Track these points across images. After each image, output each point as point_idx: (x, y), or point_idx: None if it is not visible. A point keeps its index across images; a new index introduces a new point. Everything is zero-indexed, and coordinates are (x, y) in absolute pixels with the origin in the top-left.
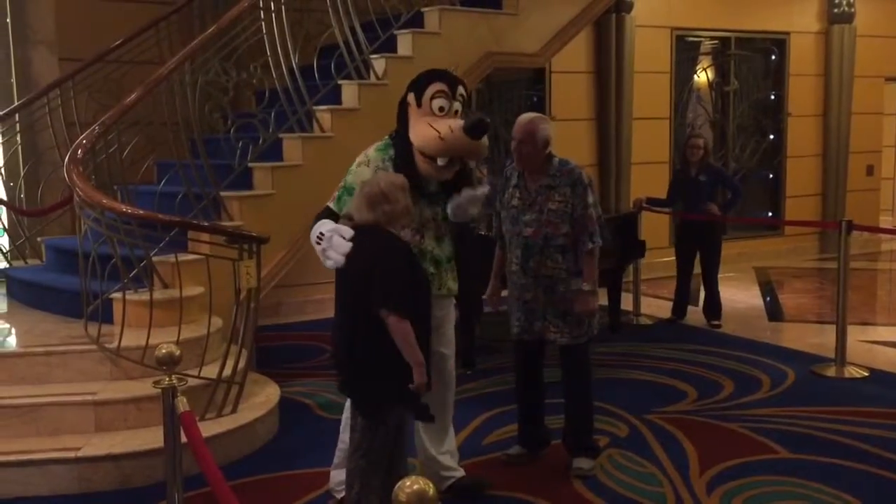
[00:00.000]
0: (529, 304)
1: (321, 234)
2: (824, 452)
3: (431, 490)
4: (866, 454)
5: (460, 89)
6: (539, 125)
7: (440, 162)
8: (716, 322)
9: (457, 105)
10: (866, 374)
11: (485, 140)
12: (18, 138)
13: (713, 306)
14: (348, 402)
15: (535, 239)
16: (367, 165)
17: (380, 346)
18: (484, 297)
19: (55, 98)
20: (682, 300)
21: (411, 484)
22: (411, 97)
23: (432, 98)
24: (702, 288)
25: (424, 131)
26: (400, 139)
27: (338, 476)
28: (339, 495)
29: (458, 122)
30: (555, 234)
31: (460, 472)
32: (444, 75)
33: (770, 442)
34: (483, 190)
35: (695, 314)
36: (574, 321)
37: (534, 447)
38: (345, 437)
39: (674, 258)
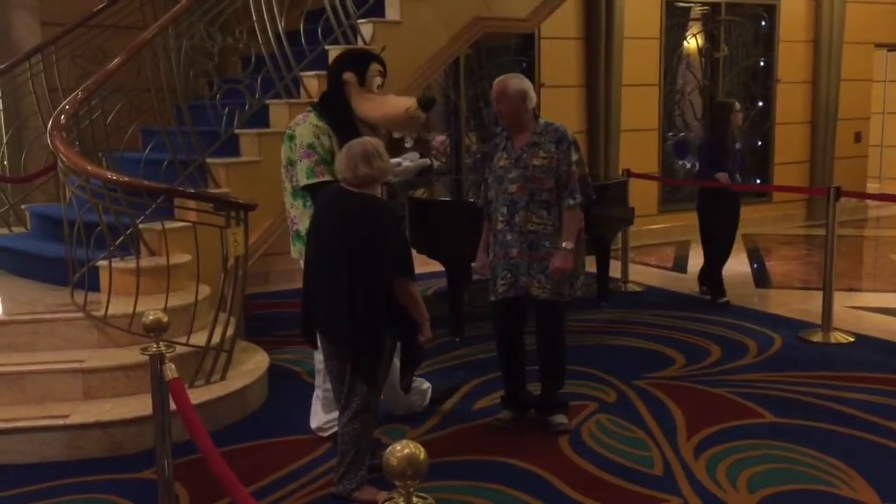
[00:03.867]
0: (514, 259)
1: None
2: (810, 417)
3: (422, 454)
4: (852, 418)
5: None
6: (510, 81)
7: (396, 135)
8: (725, 299)
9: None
10: (852, 339)
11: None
12: (0, 104)
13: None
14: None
15: (520, 195)
16: (313, 135)
17: (376, 301)
18: (473, 265)
19: (37, 63)
20: (719, 276)
21: (402, 448)
22: (350, 76)
23: (374, 76)
24: (705, 259)
25: (387, 108)
26: (334, 110)
27: (324, 417)
28: (329, 432)
29: (412, 101)
30: (540, 189)
31: (428, 384)
32: (379, 57)
33: (756, 406)
34: (425, 161)
35: (681, 281)
36: (556, 278)
37: (520, 408)
38: (319, 380)
39: (662, 226)
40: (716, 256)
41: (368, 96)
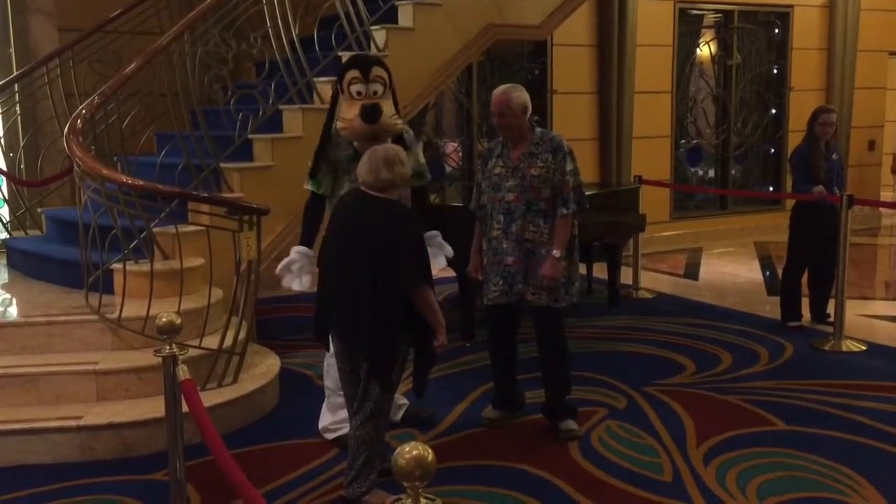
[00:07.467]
0: (510, 267)
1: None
2: (821, 425)
3: (430, 455)
4: (863, 426)
5: (376, 70)
6: (511, 94)
7: (356, 145)
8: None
9: (375, 87)
10: (864, 347)
11: (383, 119)
12: (18, 108)
13: (825, 303)
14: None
15: (517, 203)
16: None
17: (395, 305)
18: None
19: (54, 68)
20: (798, 299)
21: (410, 450)
22: (336, 85)
23: (349, 84)
24: (810, 281)
25: (340, 121)
26: (328, 119)
27: (330, 418)
28: (334, 435)
29: (355, 112)
30: (536, 198)
31: (405, 401)
32: (359, 61)
33: (767, 414)
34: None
35: (692, 288)
36: (546, 285)
37: (509, 409)
38: (328, 382)
39: (674, 233)
40: (818, 277)
41: (347, 104)
